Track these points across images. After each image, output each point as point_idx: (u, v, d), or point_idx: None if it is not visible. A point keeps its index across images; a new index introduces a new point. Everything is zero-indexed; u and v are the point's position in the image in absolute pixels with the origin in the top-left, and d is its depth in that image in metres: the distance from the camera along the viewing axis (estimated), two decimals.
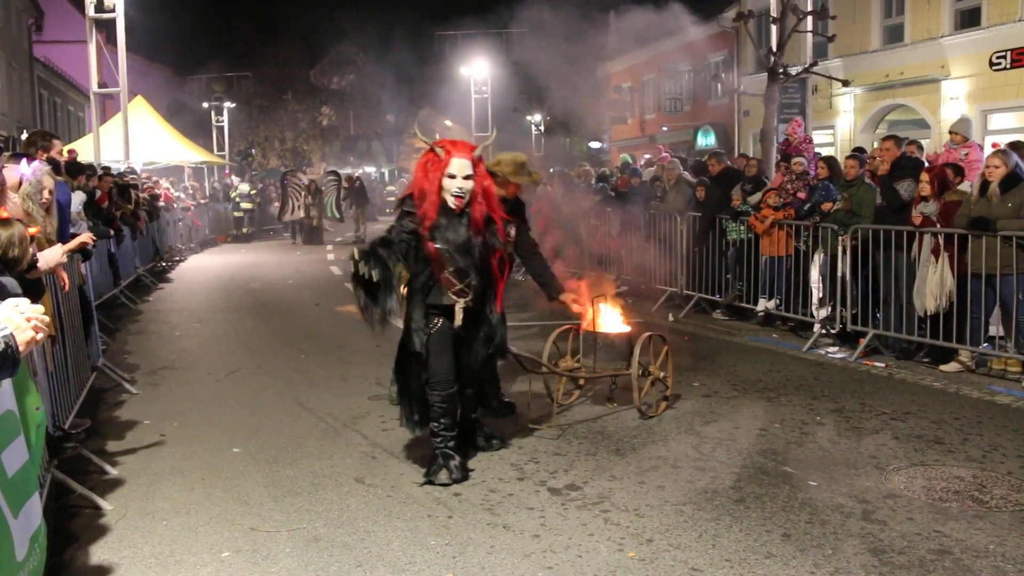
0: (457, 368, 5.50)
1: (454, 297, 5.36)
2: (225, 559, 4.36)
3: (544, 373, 6.70)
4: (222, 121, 38.82)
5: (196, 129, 37.73)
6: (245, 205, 28.37)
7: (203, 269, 18.98)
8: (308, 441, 6.26)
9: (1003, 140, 13.77)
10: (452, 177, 5.27)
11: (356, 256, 5.08)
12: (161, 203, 19.16)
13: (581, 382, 7.22)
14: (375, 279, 5.06)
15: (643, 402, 6.74)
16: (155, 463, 5.83)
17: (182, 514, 4.93)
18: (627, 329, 7.13)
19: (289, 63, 51.94)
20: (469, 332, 5.50)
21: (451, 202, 5.28)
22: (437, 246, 5.30)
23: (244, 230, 27.87)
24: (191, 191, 25.98)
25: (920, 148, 10.33)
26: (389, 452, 5.97)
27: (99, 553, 4.43)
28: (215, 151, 36.21)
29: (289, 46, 51.87)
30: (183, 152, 28.14)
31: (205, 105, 41.05)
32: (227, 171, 34.00)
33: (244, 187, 29.23)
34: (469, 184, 5.28)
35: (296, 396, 7.54)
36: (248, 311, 12.63)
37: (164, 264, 18.15)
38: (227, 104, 39.56)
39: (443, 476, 5.33)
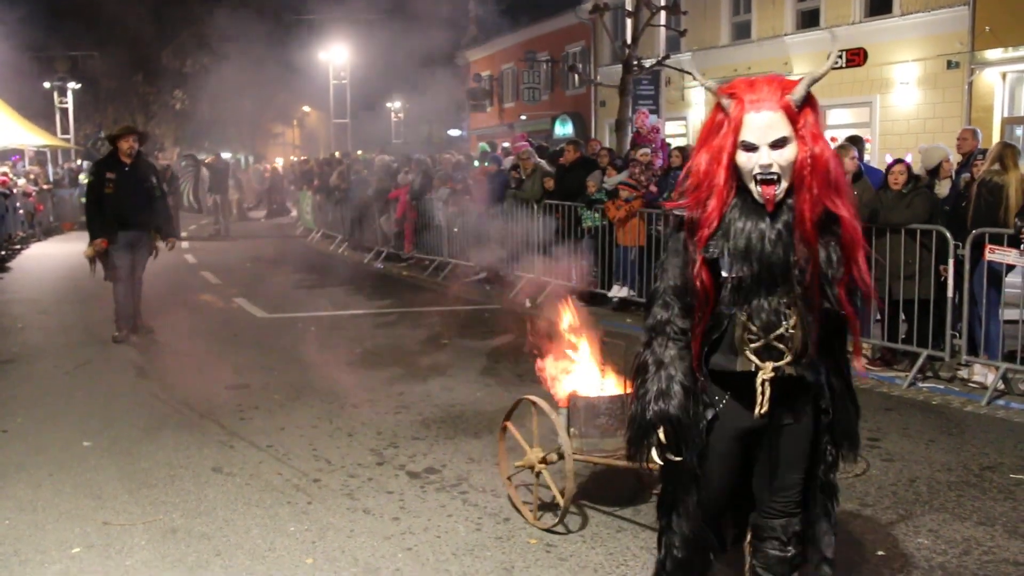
0: (746, 495, 3.14)
1: (753, 359, 2.89)
2: (75, 555, 4.26)
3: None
4: (66, 103, 36.92)
5: (38, 111, 35.75)
6: None
7: (48, 257, 18.11)
8: (163, 432, 6.14)
9: (840, 134, 14.68)
10: (750, 149, 2.83)
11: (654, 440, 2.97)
12: None
13: None
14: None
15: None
16: None
17: (28, 511, 4.78)
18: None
19: (139, 43, 49.86)
20: (783, 426, 2.99)
21: (756, 193, 2.85)
22: (724, 273, 2.90)
23: None
24: (32, 176, 24.69)
25: None
26: (247, 441, 5.94)
27: None
28: (59, 134, 34.43)
29: (139, 26, 49.79)
30: (22, 135, 26.66)
31: (47, 85, 38.95)
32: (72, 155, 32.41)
33: None
34: (786, 155, 2.82)
35: (150, 387, 7.37)
36: (98, 301, 12.10)
37: (3, 253, 17.24)
38: (71, 85, 37.63)
39: None
